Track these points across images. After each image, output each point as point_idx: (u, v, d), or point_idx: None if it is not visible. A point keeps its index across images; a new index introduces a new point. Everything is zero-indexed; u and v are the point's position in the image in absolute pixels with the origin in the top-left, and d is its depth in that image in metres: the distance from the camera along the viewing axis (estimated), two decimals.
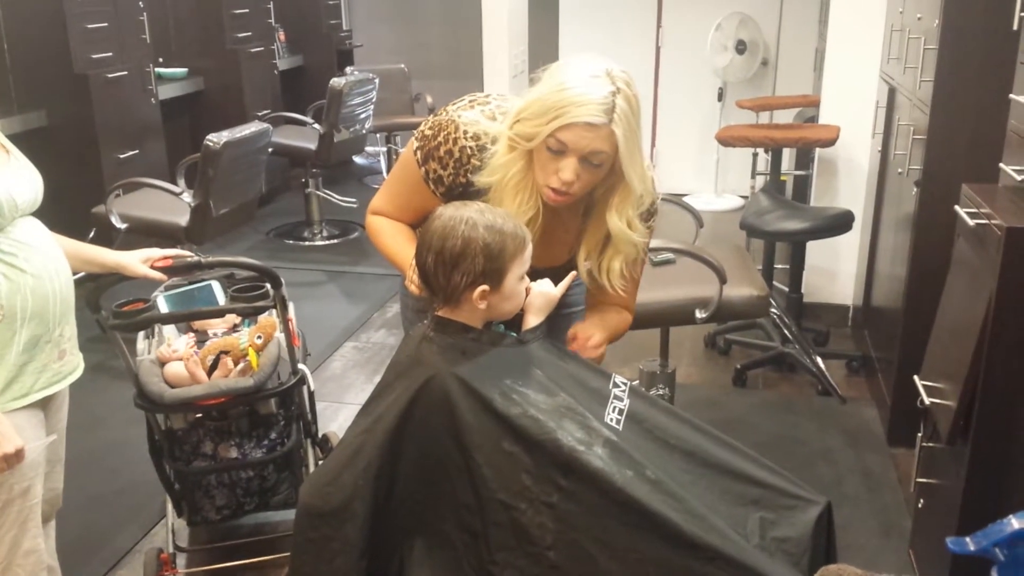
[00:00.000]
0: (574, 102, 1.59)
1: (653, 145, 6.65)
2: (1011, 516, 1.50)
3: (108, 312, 2.19)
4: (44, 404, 1.89)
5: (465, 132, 1.76)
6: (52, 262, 1.84)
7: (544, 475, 1.51)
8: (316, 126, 5.44)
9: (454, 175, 1.78)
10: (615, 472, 1.52)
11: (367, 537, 1.51)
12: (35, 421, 1.85)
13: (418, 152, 1.81)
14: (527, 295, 1.68)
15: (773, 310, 3.64)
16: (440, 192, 1.81)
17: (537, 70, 1.71)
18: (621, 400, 1.67)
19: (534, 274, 1.76)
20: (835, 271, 4.21)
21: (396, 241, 1.89)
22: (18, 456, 1.74)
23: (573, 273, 1.80)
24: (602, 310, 1.94)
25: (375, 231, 1.94)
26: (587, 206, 1.82)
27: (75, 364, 1.96)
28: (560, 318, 2.08)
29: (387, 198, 1.94)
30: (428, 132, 1.80)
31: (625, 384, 1.72)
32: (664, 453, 1.64)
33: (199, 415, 2.35)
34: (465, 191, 1.78)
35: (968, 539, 1.55)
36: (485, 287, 1.58)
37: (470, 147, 1.76)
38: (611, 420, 1.62)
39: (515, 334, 1.68)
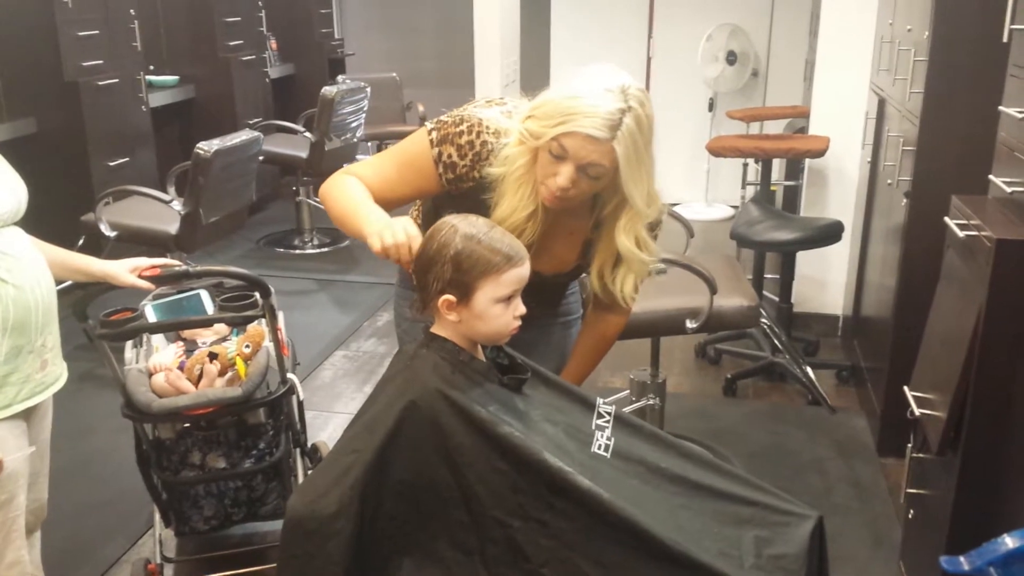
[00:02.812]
0: (581, 111, 1.60)
1: None
2: (1005, 535, 1.49)
3: (95, 321, 2.18)
4: (27, 414, 1.88)
5: (487, 128, 1.76)
6: (34, 272, 1.83)
7: (535, 492, 1.50)
8: (307, 134, 5.43)
9: (469, 167, 1.77)
10: (603, 491, 1.51)
11: (352, 555, 1.49)
12: (17, 432, 1.84)
13: (433, 133, 1.79)
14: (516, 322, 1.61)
15: (763, 320, 3.64)
16: (447, 179, 1.79)
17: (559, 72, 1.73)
18: (605, 431, 1.66)
19: (540, 280, 1.74)
20: (825, 281, 4.22)
21: (366, 204, 1.74)
22: None
23: None
24: (587, 343, 2.03)
25: (343, 185, 1.79)
26: (597, 220, 1.82)
27: (58, 374, 1.95)
28: (556, 327, 2.08)
29: (375, 169, 1.84)
30: (449, 120, 1.79)
31: (609, 414, 1.71)
32: (653, 479, 1.63)
33: (187, 425, 2.33)
34: (478, 185, 1.77)
35: (962, 558, 1.53)
36: (450, 298, 1.54)
37: (491, 143, 1.76)
38: (598, 448, 1.62)
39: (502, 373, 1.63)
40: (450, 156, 1.77)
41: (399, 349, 1.68)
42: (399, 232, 1.60)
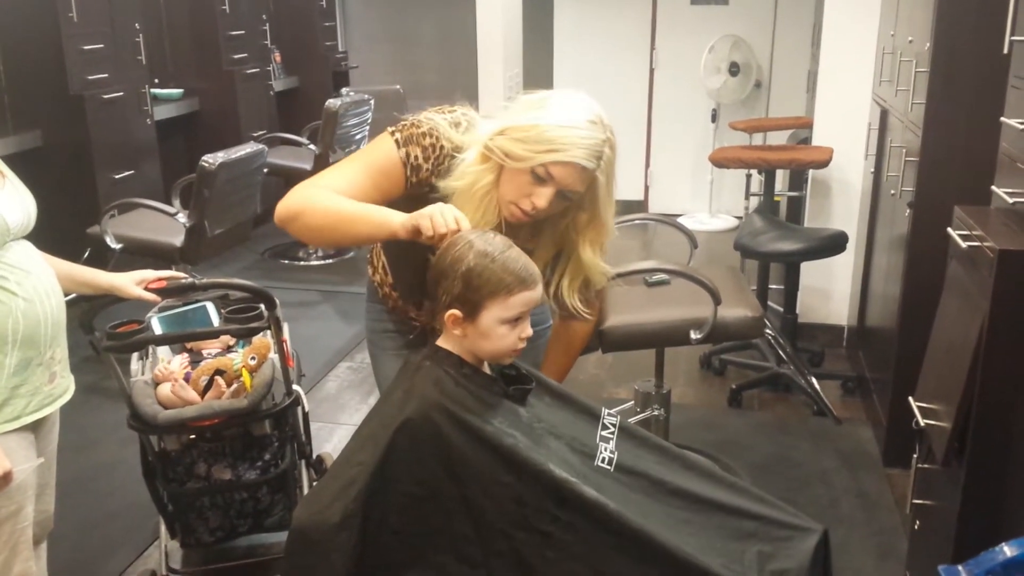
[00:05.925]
0: (575, 143, 1.65)
1: (648, 166, 6.68)
2: (1003, 544, 1.49)
3: (102, 333, 2.19)
4: (35, 426, 1.89)
5: (443, 135, 1.78)
6: (44, 285, 1.84)
7: (539, 505, 1.50)
8: (311, 147, 5.45)
9: (431, 171, 1.78)
10: (609, 501, 1.51)
11: (356, 567, 1.48)
12: (25, 443, 1.85)
13: (397, 135, 1.77)
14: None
15: (768, 331, 3.64)
16: (412, 182, 1.78)
17: (524, 90, 1.76)
18: (609, 443, 1.67)
19: None
20: (829, 292, 4.22)
21: (368, 205, 1.71)
22: (6, 479, 1.74)
23: None
24: (554, 352, 2.08)
25: (324, 197, 1.72)
26: (536, 227, 1.84)
27: (65, 386, 1.96)
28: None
29: (346, 178, 1.76)
30: (409, 122, 1.79)
31: (614, 425, 1.71)
32: (656, 493, 1.64)
33: (193, 436, 2.34)
34: (431, 189, 1.77)
35: (960, 567, 1.54)
36: (457, 313, 1.55)
37: (447, 149, 1.77)
38: (602, 460, 1.62)
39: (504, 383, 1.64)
40: (416, 158, 1.77)
41: (405, 362, 1.68)
42: (450, 214, 1.58)
